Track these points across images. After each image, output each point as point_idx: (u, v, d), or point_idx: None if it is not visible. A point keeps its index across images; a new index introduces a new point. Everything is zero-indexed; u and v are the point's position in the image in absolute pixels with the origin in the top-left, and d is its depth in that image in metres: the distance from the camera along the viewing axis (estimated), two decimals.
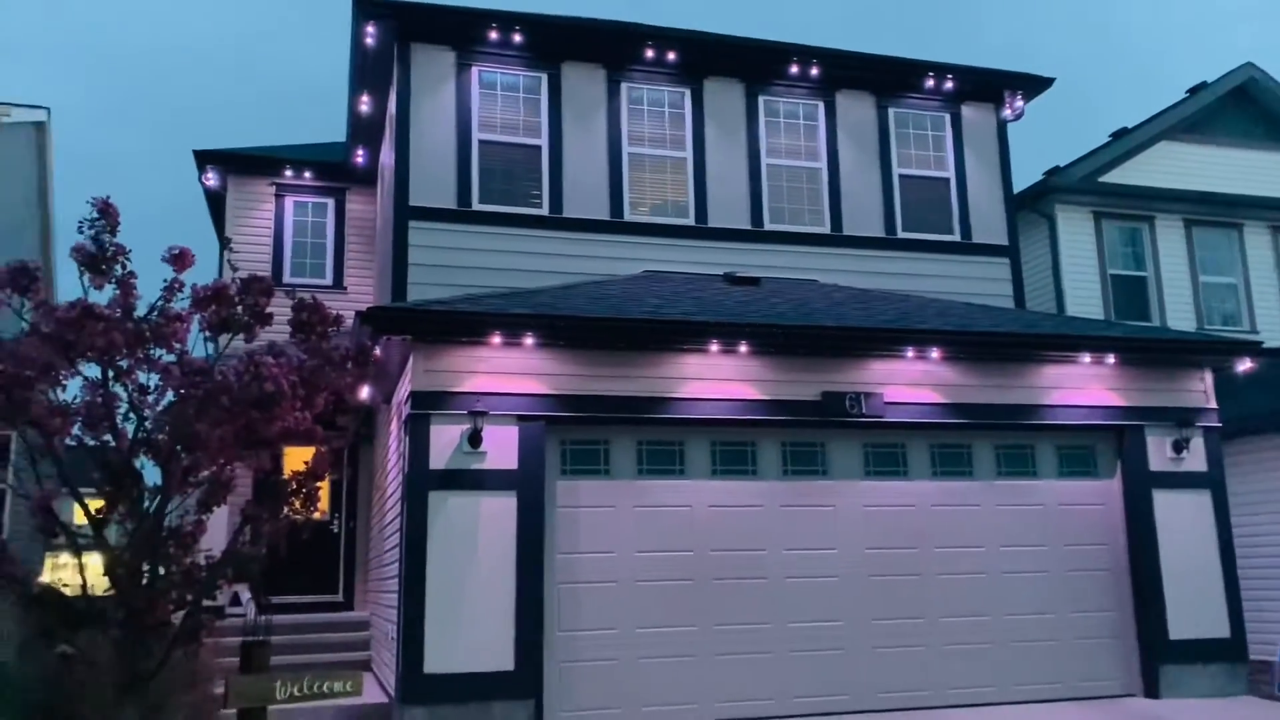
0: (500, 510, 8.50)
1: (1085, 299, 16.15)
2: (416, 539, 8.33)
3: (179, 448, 4.84)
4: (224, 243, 5.63)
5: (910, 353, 9.53)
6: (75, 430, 4.86)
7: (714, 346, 9.11)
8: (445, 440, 8.50)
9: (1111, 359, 10.03)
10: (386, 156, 12.98)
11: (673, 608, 8.96)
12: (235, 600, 12.89)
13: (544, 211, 11.90)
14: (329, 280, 15.52)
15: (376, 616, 11.95)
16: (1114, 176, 16.82)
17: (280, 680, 5.12)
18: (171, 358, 5.05)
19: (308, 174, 15.57)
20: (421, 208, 11.50)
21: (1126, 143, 17.12)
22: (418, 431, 8.48)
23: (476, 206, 11.70)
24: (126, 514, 5.01)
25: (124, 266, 5.29)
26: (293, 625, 12.35)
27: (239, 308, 5.19)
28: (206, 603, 11.65)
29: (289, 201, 15.61)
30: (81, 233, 5.16)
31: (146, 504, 4.99)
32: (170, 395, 4.95)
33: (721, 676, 8.91)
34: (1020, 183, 16.48)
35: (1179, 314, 16.42)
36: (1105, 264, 16.45)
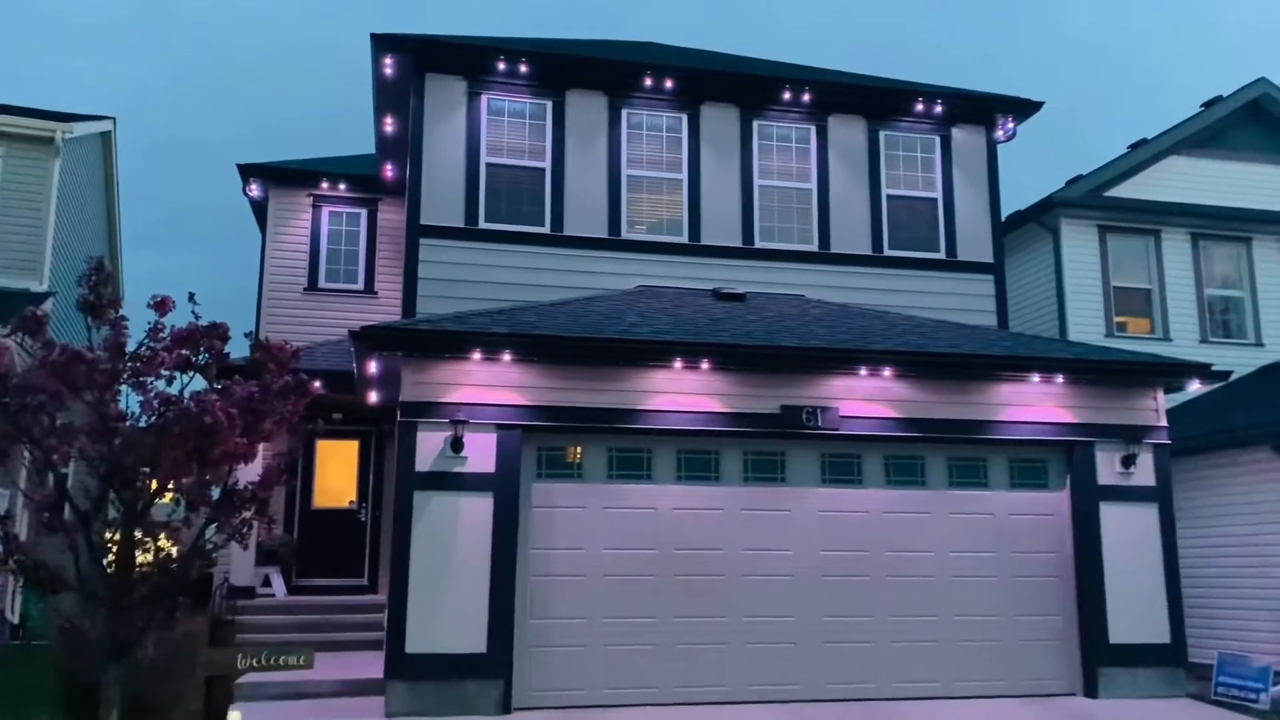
0: (478, 509, 9.48)
1: (1088, 311, 16.58)
2: (402, 533, 9.36)
3: (141, 466, 5.87)
4: (189, 297, 6.57)
5: (864, 371, 10.29)
6: (71, 450, 5.94)
7: (678, 364, 9.97)
8: (430, 445, 9.50)
9: (1060, 378, 10.66)
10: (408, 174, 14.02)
11: (637, 601, 9.85)
12: (265, 582, 14.13)
13: (546, 230, 12.85)
14: (361, 286, 16.65)
15: None
16: (1121, 191, 17.18)
17: (241, 654, 6.12)
18: (161, 387, 6.10)
19: (342, 186, 16.71)
20: (432, 226, 12.52)
21: (1134, 157, 17.48)
22: (406, 437, 9.51)
23: (483, 225, 12.69)
24: (120, 513, 6.07)
25: (116, 310, 6.37)
26: (319, 606, 13.51)
27: (201, 351, 6.20)
28: (236, 584, 13.01)
29: (325, 211, 16.78)
30: (81, 286, 6.27)
31: (129, 506, 6.03)
32: (144, 421, 5.98)
33: (680, 664, 9.79)
34: (1036, 196, 17.05)
35: (1183, 326, 16.78)
36: (1109, 277, 16.83)
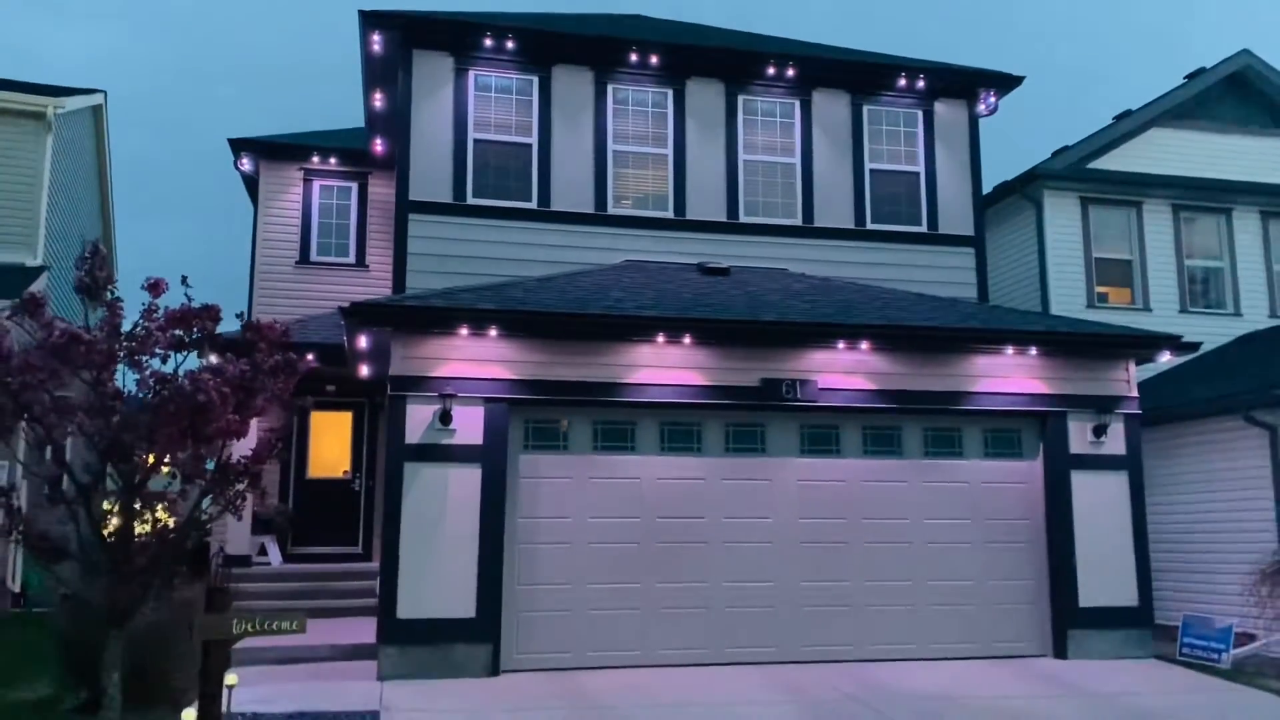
0: (466, 480, 9.78)
1: (1069, 282, 16.83)
2: (393, 503, 9.67)
3: (138, 442, 6.13)
4: (182, 279, 6.82)
5: (841, 344, 10.56)
6: (70, 427, 6.20)
7: (661, 339, 10.23)
8: (419, 419, 9.78)
9: (1033, 351, 10.94)
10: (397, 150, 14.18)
11: (621, 567, 10.18)
12: (262, 551, 14.46)
13: (533, 205, 13.05)
14: (352, 259, 16.86)
15: None
16: (1104, 162, 17.37)
17: (237, 619, 6.40)
18: (157, 366, 6.36)
19: (333, 160, 16.87)
20: (420, 202, 12.72)
21: (1118, 129, 17.68)
22: (395, 410, 9.79)
23: (471, 201, 12.89)
24: (118, 486, 6.34)
25: (112, 293, 6.61)
26: (314, 574, 13.84)
27: (193, 331, 6.46)
28: (233, 553, 13.34)
29: (316, 185, 16.94)
30: (79, 269, 6.50)
31: (127, 479, 6.29)
32: (140, 398, 6.24)
33: (663, 628, 10.14)
34: (1025, 168, 17.23)
35: (1163, 297, 17.05)
36: (1091, 248, 17.05)
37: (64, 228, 17.62)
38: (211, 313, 6.50)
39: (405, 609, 9.49)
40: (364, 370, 11.78)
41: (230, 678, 7.18)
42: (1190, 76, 18.24)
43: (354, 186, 17.09)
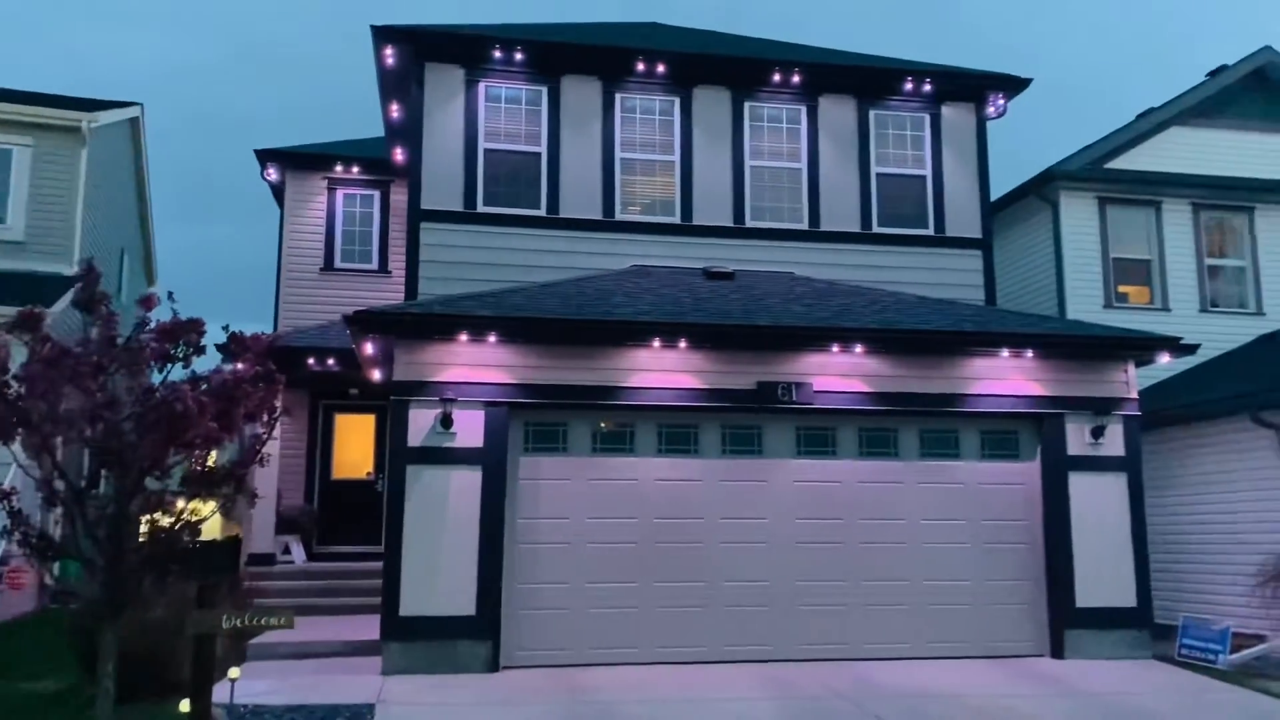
0: (467, 482, 10.09)
1: (1087, 283, 16.79)
2: (396, 504, 10.01)
3: (127, 449, 6.52)
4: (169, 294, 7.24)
5: (836, 348, 10.73)
6: (65, 435, 6.62)
7: (657, 343, 10.47)
8: (422, 422, 10.12)
9: (1030, 353, 11.03)
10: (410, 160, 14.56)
11: (619, 567, 10.44)
12: (286, 550, 14.92)
13: (542, 212, 13.37)
14: (375, 265, 17.33)
15: None
16: (1122, 162, 17.30)
17: (227, 614, 6.76)
18: (157, 375, 6.78)
19: (356, 168, 17.36)
20: (432, 210, 13.10)
21: (1136, 127, 17.61)
22: (398, 414, 10.13)
23: (482, 209, 13.24)
24: (113, 491, 6.75)
25: (107, 308, 7.03)
26: (334, 572, 14.24)
27: (180, 344, 6.83)
28: (257, 552, 13.80)
29: (340, 194, 17.46)
30: (76, 285, 6.90)
31: (120, 483, 6.69)
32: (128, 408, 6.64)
33: (660, 626, 10.38)
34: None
35: (1182, 297, 16.95)
36: (1109, 248, 16.98)
37: (101, 238, 18.24)
38: (197, 325, 6.88)
39: (408, 606, 9.82)
40: (375, 375, 12.15)
41: (233, 671, 7.55)
42: (1212, 74, 18.11)
43: (376, 194, 17.57)
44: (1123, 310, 16.27)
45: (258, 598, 12.46)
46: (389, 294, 16.22)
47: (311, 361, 13.65)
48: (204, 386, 6.75)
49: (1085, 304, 16.36)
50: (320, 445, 16.60)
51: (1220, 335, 16.46)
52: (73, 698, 8.57)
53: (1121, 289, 16.97)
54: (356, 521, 16.08)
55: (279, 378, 7.35)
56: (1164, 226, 17.07)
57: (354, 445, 16.65)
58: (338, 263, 17.23)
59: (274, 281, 17.25)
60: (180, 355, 6.82)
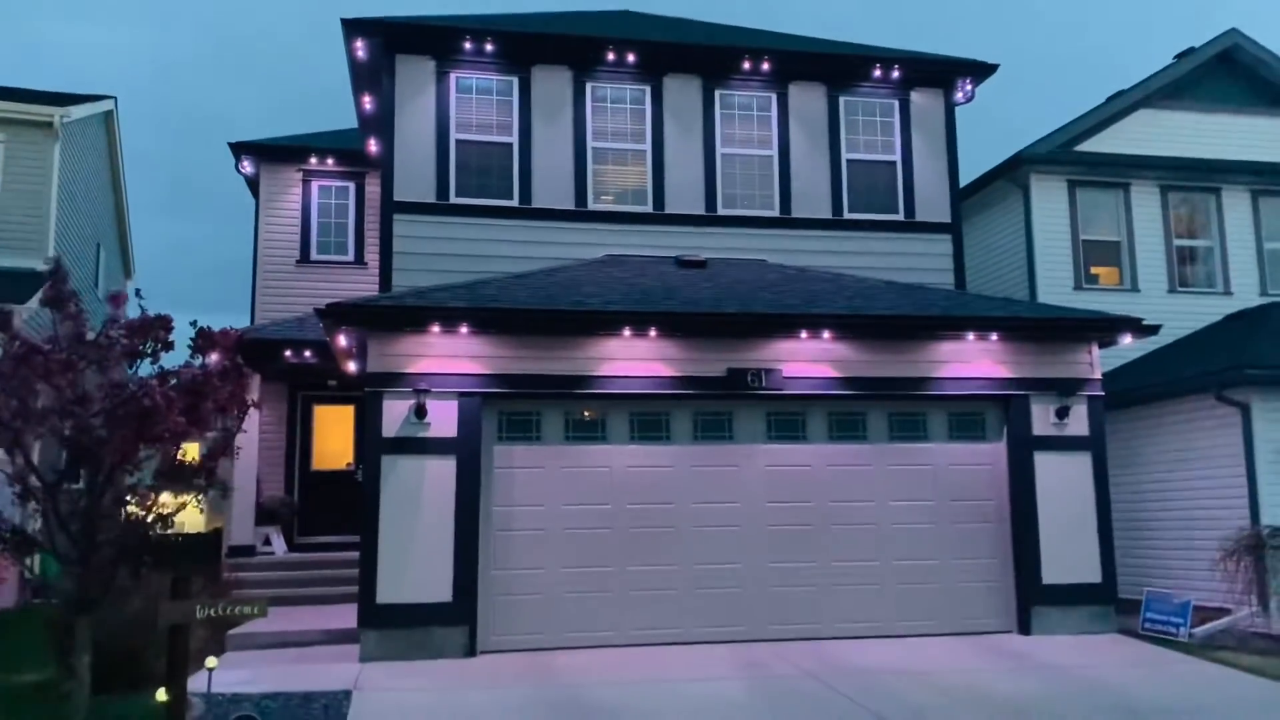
0: (442, 471, 10.22)
1: (1057, 265, 16.98)
2: (372, 494, 10.14)
3: (98, 444, 6.63)
4: (137, 293, 7.36)
5: (804, 334, 10.89)
6: (37, 431, 6.71)
7: (627, 332, 10.61)
8: (396, 413, 10.24)
9: (995, 336, 11.22)
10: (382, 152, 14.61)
11: (594, 552, 10.60)
12: (266, 541, 15.01)
13: (515, 203, 13.46)
14: (350, 257, 17.39)
15: None
16: (1092, 144, 17.48)
17: (200, 605, 6.87)
18: (129, 371, 6.88)
19: (330, 160, 17.39)
20: (404, 202, 13.17)
21: (1106, 110, 17.77)
22: (373, 406, 10.25)
23: (454, 200, 13.32)
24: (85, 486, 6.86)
25: (75, 305, 7.13)
26: (315, 562, 14.37)
27: (148, 341, 6.94)
28: (237, 543, 13.90)
29: (315, 186, 17.48)
30: (45, 283, 6.99)
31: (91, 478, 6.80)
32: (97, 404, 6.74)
33: (635, 610, 10.55)
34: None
35: (1151, 277, 17.17)
36: (1078, 231, 17.18)
37: (76, 232, 18.24)
38: (164, 322, 6.99)
39: (385, 594, 9.96)
40: (351, 366, 12.25)
41: (210, 660, 7.66)
42: (1180, 56, 18.30)
43: (351, 186, 17.60)
44: (1093, 292, 16.48)
45: (237, 589, 12.59)
46: (365, 285, 16.29)
47: (289, 354, 13.71)
48: (173, 382, 6.86)
49: (1056, 286, 16.55)
50: (300, 436, 16.69)
51: (1189, 315, 16.70)
52: (51, 690, 8.68)
53: (1092, 270, 17.17)
54: (337, 512, 16.16)
55: (248, 372, 7.46)
56: (1133, 208, 17.27)
57: (334, 436, 16.74)
58: (314, 255, 17.27)
59: (250, 275, 17.29)
60: (149, 351, 6.93)
